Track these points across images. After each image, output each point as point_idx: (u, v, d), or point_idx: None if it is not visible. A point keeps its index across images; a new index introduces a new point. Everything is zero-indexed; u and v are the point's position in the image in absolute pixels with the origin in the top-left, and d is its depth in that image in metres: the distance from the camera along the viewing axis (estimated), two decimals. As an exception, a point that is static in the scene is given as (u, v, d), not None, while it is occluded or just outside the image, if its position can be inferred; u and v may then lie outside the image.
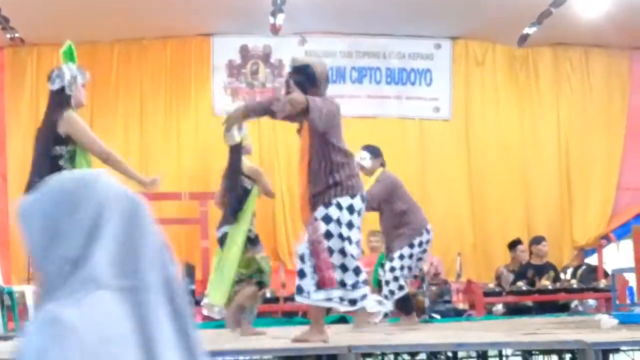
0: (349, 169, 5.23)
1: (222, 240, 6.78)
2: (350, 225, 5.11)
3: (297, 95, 5.14)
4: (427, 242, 7.65)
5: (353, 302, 5.11)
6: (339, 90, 11.98)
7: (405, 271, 7.49)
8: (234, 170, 6.75)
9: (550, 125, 12.23)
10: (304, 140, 5.28)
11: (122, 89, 11.54)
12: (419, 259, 7.71)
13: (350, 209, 5.13)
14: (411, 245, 7.50)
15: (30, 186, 5.25)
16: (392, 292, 7.42)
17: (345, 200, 5.13)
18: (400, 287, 7.43)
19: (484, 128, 12.20)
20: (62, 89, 5.32)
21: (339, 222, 5.07)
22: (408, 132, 12.06)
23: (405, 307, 7.57)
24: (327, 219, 5.06)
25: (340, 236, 5.06)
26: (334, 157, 5.19)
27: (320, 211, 5.08)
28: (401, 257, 7.46)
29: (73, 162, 5.24)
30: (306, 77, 5.26)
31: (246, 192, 6.76)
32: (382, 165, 7.80)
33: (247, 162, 6.86)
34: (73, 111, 5.32)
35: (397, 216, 7.58)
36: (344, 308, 5.24)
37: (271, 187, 7.11)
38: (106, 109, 11.22)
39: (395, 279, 7.43)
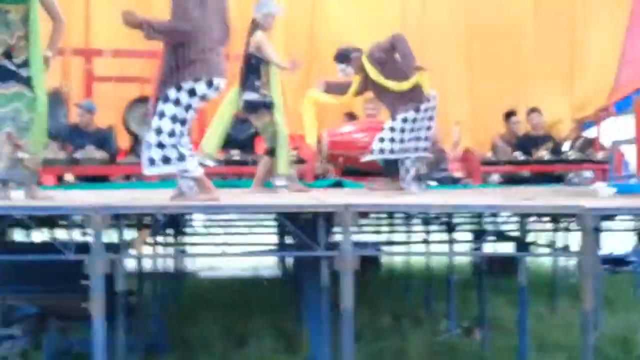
0: (195, 50, 5.17)
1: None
2: (188, 108, 5.19)
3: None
4: (434, 108, 7.39)
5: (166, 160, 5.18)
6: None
7: (407, 135, 7.36)
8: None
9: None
10: None
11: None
12: (427, 128, 7.43)
13: (191, 92, 5.18)
14: (417, 110, 7.28)
15: None
16: (381, 151, 7.25)
17: (187, 84, 5.16)
18: (391, 151, 7.25)
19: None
20: None
21: (177, 102, 5.16)
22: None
23: (390, 170, 7.45)
24: (165, 99, 5.17)
25: (174, 117, 5.15)
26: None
27: (167, 92, 5.17)
28: (404, 120, 7.29)
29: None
30: None
31: (258, 62, 7.15)
32: (359, 51, 7.57)
33: (257, 36, 7.13)
34: None
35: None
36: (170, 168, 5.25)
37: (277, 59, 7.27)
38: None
39: (392, 140, 7.23)
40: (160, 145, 5.12)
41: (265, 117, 7.12)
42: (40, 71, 5.35)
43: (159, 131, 5.13)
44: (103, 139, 9.05)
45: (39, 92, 5.33)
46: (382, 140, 7.25)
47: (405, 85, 7.23)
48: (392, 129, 7.24)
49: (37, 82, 5.33)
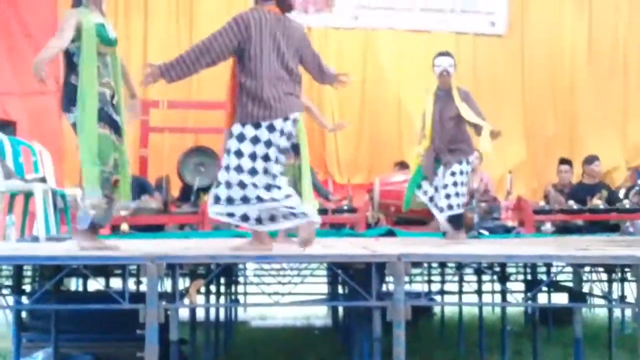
0: (251, 93, 5.03)
1: None
2: (238, 153, 5.03)
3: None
4: (472, 161, 7.73)
5: (245, 218, 5.09)
6: (392, 3, 11.81)
7: (459, 189, 7.47)
8: None
9: (608, 40, 11.92)
10: None
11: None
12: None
13: (240, 138, 5.04)
14: (468, 162, 7.51)
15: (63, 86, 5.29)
16: (450, 207, 7.42)
17: (235, 128, 5.06)
18: (458, 205, 7.44)
19: (539, 44, 11.96)
20: None
21: (228, 151, 5.07)
22: (462, 47, 11.85)
23: (458, 222, 7.55)
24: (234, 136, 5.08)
25: (227, 167, 5.05)
26: (240, 79, 5.09)
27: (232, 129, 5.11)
28: (461, 172, 7.45)
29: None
30: None
31: None
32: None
33: None
34: (80, 8, 5.23)
35: (456, 132, 7.53)
36: (234, 221, 5.19)
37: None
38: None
39: (457, 194, 7.43)
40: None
41: (291, 160, 6.90)
42: (124, 116, 5.39)
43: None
44: (143, 188, 9.18)
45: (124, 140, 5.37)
46: (448, 196, 7.44)
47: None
48: (456, 184, 7.44)
49: (124, 129, 5.37)
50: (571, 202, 9.62)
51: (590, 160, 10.10)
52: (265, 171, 5.09)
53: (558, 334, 8.99)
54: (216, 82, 10.22)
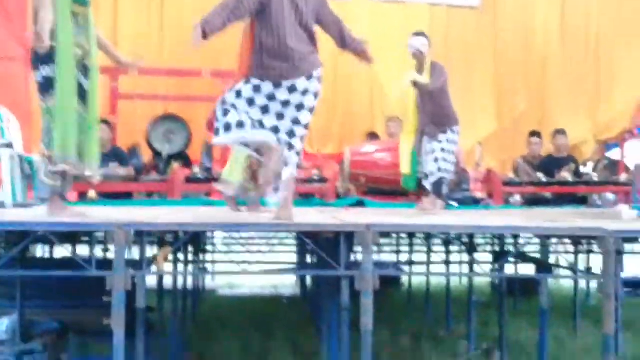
0: (273, 51, 5.03)
1: None
2: (250, 101, 5.04)
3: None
4: (458, 133, 7.84)
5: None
6: (367, -28, 11.72)
7: (446, 155, 7.67)
8: None
9: (581, 17, 11.93)
10: None
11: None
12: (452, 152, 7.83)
13: (256, 89, 5.04)
14: (453, 132, 7.70)
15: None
16: (439, 170, 7.63)
17: (253, 80, 5.06)
18: (439, 169, 7.63)
19: (513, 18, 11.92)
20: None
21: (238, 93, 5.07)
22: (435, 19, 11.79)
23: (439, 188, 7.69)
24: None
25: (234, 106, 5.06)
26: (261, 38, 5.06)
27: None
28: (448, 140, 7.66)
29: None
30: None
31: None
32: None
33: None
34: None
35: (438, 107, 7.70)
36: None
37: None
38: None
39: (444, 160, 7.65)
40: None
41: None
42: (96, 82, 5.29)
43: None
44: (120, 157, 9.09)
45: (92, 111, 5.24)
46: (437, 160, 7.68)
47: None
48: (443, 150, 7.69)
49: (92, 96, 5.23)
50: (540, 175, 9.68)
51: (558, 132, 10.19)
52: (274, 128, 5.06)
53: (524, 304, 9.10)
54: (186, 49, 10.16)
